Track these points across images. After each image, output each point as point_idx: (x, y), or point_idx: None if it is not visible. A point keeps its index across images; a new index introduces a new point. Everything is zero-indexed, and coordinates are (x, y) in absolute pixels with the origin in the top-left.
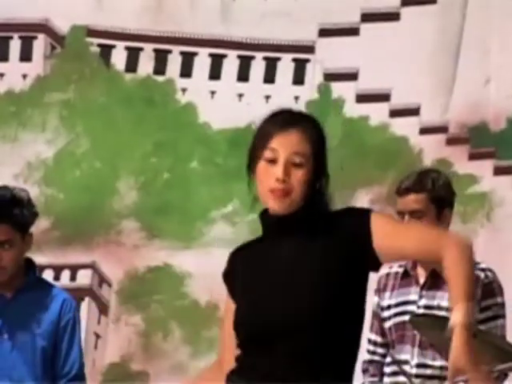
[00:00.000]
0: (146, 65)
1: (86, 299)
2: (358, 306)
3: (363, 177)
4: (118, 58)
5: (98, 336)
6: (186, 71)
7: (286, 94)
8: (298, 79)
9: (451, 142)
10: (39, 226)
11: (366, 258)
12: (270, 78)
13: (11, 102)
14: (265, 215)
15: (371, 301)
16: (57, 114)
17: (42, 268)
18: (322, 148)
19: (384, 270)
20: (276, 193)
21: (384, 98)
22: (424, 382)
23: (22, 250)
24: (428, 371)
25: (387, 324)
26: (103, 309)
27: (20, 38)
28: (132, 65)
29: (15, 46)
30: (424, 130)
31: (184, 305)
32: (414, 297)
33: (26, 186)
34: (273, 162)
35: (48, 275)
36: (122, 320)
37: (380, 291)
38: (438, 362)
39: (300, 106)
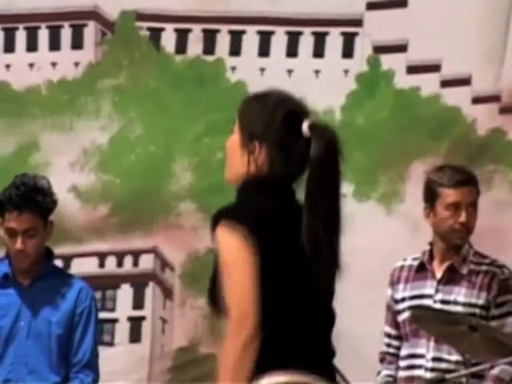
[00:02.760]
0: (195, 46)
1: (150, 284)
2: None
3: (417, 148)
4: (168, 40)
5: (164, 321)
6: (235, 50)
7: (336, 68)
8: (347, 53)
9: (504, 110)
10: (98, 213)
11: None
12: (319, 52)
13: (65, 91)
14: None
15: (385, 294)
16: (109, 100)
17: (105, 255)
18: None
19: (398, 262)
20: None
21: (434, 68)
22: (439, 376)
23: (44, 238)
24: (443, 365)
25: (401, 317)
26: (167, 293)
27: (70, 26)
28: (181, 46)
29: (66, 34)
30: (476, 100)
31: None
32: (429, 291)
33: (83, 174)
34: None
35: (111, 262)
36: (188, 304)
37: (394, 283)
38: (454, 357)
39: (350, 79)
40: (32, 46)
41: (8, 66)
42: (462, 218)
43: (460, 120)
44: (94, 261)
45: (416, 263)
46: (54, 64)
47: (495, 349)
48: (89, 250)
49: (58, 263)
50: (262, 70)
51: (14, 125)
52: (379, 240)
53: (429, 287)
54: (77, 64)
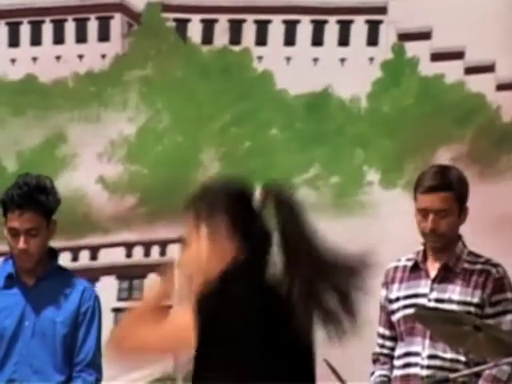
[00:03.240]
0: (221, 36)
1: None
2: None
3: (442, 135)
4: (194, 31)
5: None
6: (261, 39)
7: (361, 56)
8: (372, 40)
9: None
10: (126, 204)
11: None
12: (344, 40)
13: (91, 83)
14: None
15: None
16: (137, 92)
17: (132, 245)
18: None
19: (392, 263)
20: None
21: (458, 55)
22: (435, 373)
23: (47, 237)
24: (439, 362)
25: (396, 316)
26: None
27: (97, 18)
28: (208, 37)
29: (93, 26)
30: (500, 87)
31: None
32: (424, 290)
33: (110, 165)
34: None
35: (138, 252)
36: None
37: (388, 284)
38: (449, 355)
39: (375, 67)
40: (59, 39)
41: (35, 59)
42: (428, 224)
43: (485, 107)
44: (122, 251)
45: (410, 264)
46: (80, 56)
47: (499, 349)
48: (116, 241)
49: (86, 254)
50: (288, 59)
51: (41, 117)
52: (406, 227)
53: (423, 286)
54: (103, 56)
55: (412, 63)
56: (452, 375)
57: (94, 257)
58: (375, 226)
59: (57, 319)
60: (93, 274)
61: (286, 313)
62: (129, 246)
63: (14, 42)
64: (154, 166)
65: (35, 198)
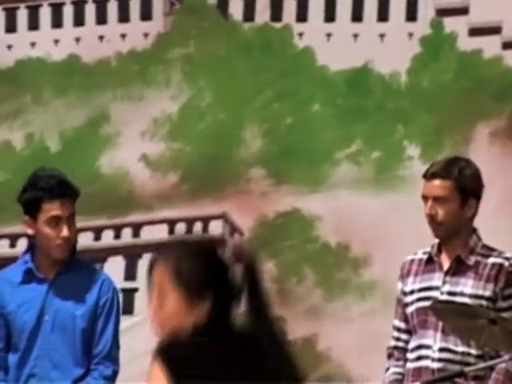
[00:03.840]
0: (262, 13)
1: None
2: None
3: (481, 110)
4: (236, 8)
5: None
6: (302, 16)
7: (400, 32)
8: (411, 16)
9: None
10: (168, 181)
11: None
12: (383, 16)
13: (134, 62)
14: None
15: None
16: (179, 70)
17: (174, 222)
18: None
19: (409, 256)
20: None
21: (496, 30)
22: (446, 366)
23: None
24: (450, 356)
25: (410, 309)
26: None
27: None
28: (249, 14)
29: (135, 5)
30: None
31: (315, 248)
32: (437, 282)
33: (153, 143)
34: None
35: (180, 229)
36: None
37: (403, 277)
38: (461, 348)
39: (414, 43)
40: (101, 19)
41: (78, 40)
42: (426, 210)
43: None
44: (164, 228)
45: (425, 257)
46: (123, 36)
47: None
48: (159, 218)
49: (128, 231)
50: (329, 35)
51: (85, 97)
52: None
53: (436, 279)
54: (146, 35)
55: (450, 38)
56: (467, 369)
57: (136, 234)
58: (415, 200)
59: (76, 313)
60: (135, 251)
61: (260, 357)
62: (171, 223)
63: (56, 22)
64: (197, 143)
65: (70, 185)
